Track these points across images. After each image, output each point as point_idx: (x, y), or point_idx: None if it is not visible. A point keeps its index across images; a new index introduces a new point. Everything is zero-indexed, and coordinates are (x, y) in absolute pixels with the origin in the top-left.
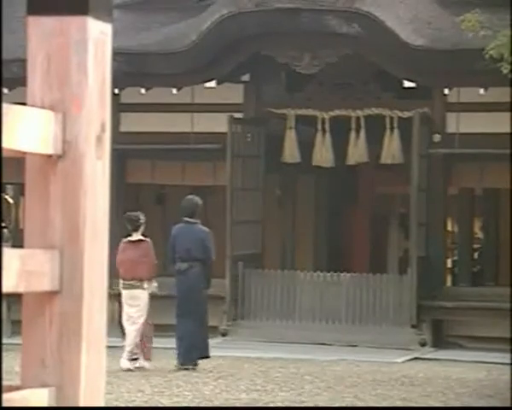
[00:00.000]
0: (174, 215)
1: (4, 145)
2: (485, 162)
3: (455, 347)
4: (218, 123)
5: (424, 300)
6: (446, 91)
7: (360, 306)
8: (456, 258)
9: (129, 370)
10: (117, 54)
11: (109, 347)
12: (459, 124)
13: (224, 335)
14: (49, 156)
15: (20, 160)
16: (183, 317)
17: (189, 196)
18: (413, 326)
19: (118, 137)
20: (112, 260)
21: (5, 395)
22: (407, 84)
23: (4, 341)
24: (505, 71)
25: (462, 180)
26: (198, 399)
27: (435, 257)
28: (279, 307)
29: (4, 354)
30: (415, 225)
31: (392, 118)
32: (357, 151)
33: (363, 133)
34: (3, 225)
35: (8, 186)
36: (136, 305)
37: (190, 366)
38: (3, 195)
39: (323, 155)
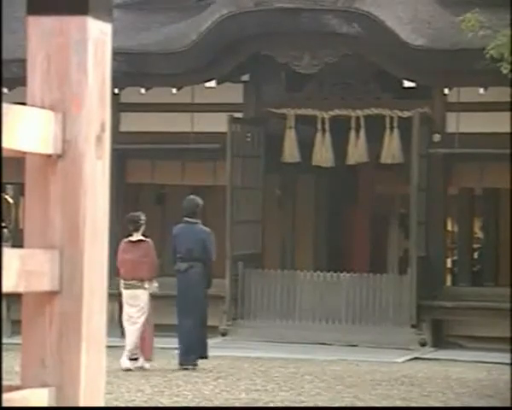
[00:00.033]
0: (174, 215)
1: (4, 145)
2: (485, 162)
3: (455, 347)
4: (217, 123)
5: (424, 300)
6: (446, 91)
7: (360, 306)
8: (456, 258)
9: (129, 370)
10: (117, 54)
11: (109, 347)
12: (459, 124)
13: (223, 335)
14: (49, 156)
15: (20, 160)
16: (183, 317)
17: (190, 196)
18: (413, 326)
19: (118, 136)
20: (112, 260)
21: (5, 395)
22: (407, 84)
23: (4, 341)
24: (505, 71)
25: (462, 180)
26: (198, 399)
27: (435, 257)
28: (279, 307)
29: (4, 353)
30: (415, 224)
31: (392, 118)
32: (357, 151)
33: (362, 133)
34: (3, 225)
35: (8, 186)
36: (136, 305)
37: (190, 366)
38: (3, 195)
39: (323, 154)
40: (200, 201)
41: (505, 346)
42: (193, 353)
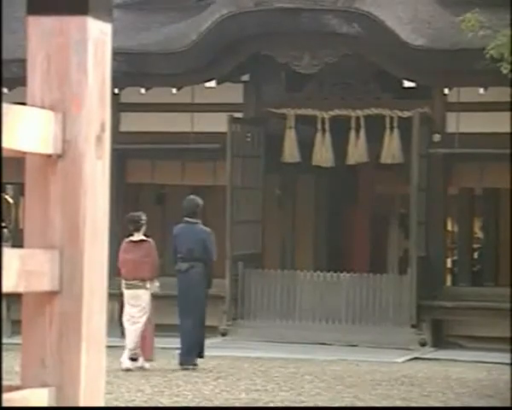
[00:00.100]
0: (174, 215)
1: (4, 145)
2: (485, 162)
3: (455, 347)
4: (217, 123)
5: (424, 300)
6: (446, 91)
7: (360, 306)
8: (456, 258)
9: (129, 370)
10: (117, 54)
11: (109, 347)
12: (459, 124)
13: (223, 335)
14: (49, 156)
15: (20, 160)
16: (184, 317)
17: (191, 196)
18: (413, 326)
19: (118, 136)
20: (112, 260)
21: (5, 395)
22: (407, 84)
23: (4, 341)
24: (505, 71)
25: (462, 180)
26: (198, 399)
27: (435, 257)
28: (279, 307)
29: (4, 354)
30: (415, 224)
31: (392, 118)
32: (357, 151)
33: (362, 133)
34: (3, 225)
35: (8, 186)
36: (137, 305)
37: (190, 366)
38: (3, 195)
39: (323, 154)
40: (200, 201)
41: (505, 346)
42: (193, 353)
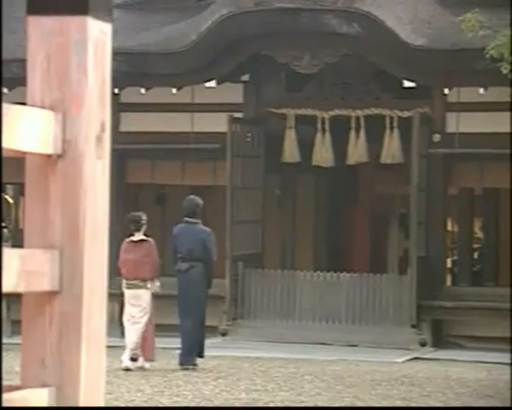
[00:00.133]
0: (174, 215)
1: (4, 145)
2: (485, 162)
3: (455, 347)
4: (217, 123)
5: (424, 300)
6: (446, 91)
7: (360, 306)
8: (456, 258)
9: (129, 370)
10: (117, 54)
11: (109, 347)
12: (459, 124)
13: (223, 335)
14: (49, 156)
15: (20, 160)
16: (184, 317)
17: (191, 196)
18: (413, 326)
19: (118, 136)
20: (112, 260)
21: (5, 395)
22: (407, 84)
23: (4, 341)
24: (505, 71)
25: (462, 180)
26: (198, 399)
27: (435, 257)
28: (279, 307)
29: (4, 354)
30: (415, 224)
31: (392, 118)
32: (357, 151)
33: (362, 133)
34: (3, 225)
35: (8, 186)
36: (138, 305)
37: (190, 366)
38: (3, 195)
39: (323, 154)
40: (200, 201)
41: (505, 346)
42: (193, 353)
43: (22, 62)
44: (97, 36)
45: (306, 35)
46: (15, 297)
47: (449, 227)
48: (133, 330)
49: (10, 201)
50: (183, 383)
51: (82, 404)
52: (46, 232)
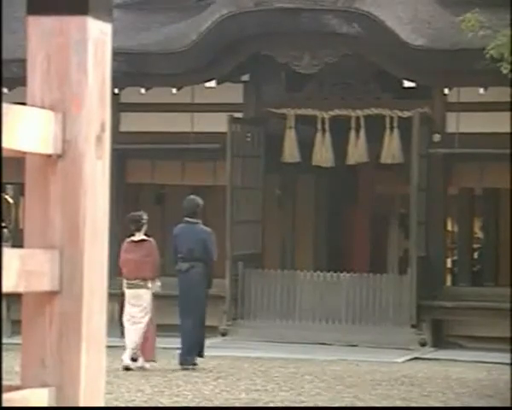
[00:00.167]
0: (174, 215)
1: (4, 145)
2: (485, 162)
3: (455, 347)
4: (218, 123)
5: (424, 300)
6: (446, 91)
7: (360, 306)
8: (456, 258)
9: (129, 369)
10: (117, 54)
11: (109, 347)
12: (459, 124)
13: (223, 335)
14: (49, 156)
15: (20, 160)
16: (185, 317)
17: (191, 197)
18: (413, 326)
19: (118, 137)
20: (112, 260)
21: (5, 395)
22: (407, 84)
23: (4, 341)
24: (505, 71)
25: (462, 180)
26: (198, 399)
27: (435, 257)
28: (279, 307)
29: (4, 354)
30: (415, 224)
31: (392, 118)
32: (357, 151)
33: (362, 133)
34: (3, 225)
35: (8, 186)
36: (138, 305)
37: (190, 366)
38: (3, 195)
39: (323, 154)
40: (200, 201)
41: (505, 346)
42: (193, 353)
43: (22, 62)
44: (97, 36)
45: (306, 35)
46: (15, 297)
47: (449, 227)
48: (133, 331)
49: (10, 201)
50: (183, 383)
51: (82, 404)
52: (46, 232)
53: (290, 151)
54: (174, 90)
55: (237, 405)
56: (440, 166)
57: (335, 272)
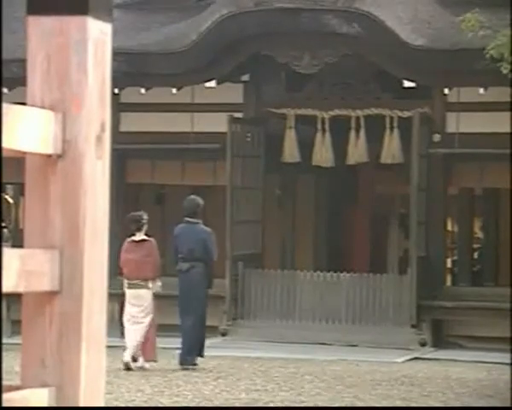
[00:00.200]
0: (174, 215)
1: (4, 145)
2: (485, 162)
3: (455, 347)
4: (217, 123)
5: (424, 300)
6: (446, 91)
7: (360, 306)
8: (456, 258)
9: (129, 369)
10: (117, 54)
11: (109, 347)
12: (459, 124)
13: (223, 335)
14: (49, 156)
15: (20, 160)
16: (184, 316)
17: (191, 197)
18: (413, 326)
19: (118, 136)
20: (112, 260)
21: (5, 395)
22: (407, 84)
23: (4, 341)
24: (505, 71)
25: (462, 180)
26: (198, 399)
27: (435, 257)
28: (279, 307)
29: (4, 354)
30: (415, 224)
31: (392, 118)
32: (357, 151)
33: (362, 133)
34: (3, 225)
35: (8, 186)
36: (139, 305)
37: (190, 366)
38: (3, 195)
39: (323, 154)
40: (200, 201)
41: (505, 346)
42: (193, 353)
43: (22, 62)
44: (97, 36)
45: (306, 35)
46: (15, 297)
47: (449, 227)
48: (133, 331)
49: (10, 201)
50: (183, 383)
51: (82, 404)
52: (46, 232)
53: (290, 151)
54: (174, 90)
55: (237, 405)
56: (440, 166)
57: (335, 272)
